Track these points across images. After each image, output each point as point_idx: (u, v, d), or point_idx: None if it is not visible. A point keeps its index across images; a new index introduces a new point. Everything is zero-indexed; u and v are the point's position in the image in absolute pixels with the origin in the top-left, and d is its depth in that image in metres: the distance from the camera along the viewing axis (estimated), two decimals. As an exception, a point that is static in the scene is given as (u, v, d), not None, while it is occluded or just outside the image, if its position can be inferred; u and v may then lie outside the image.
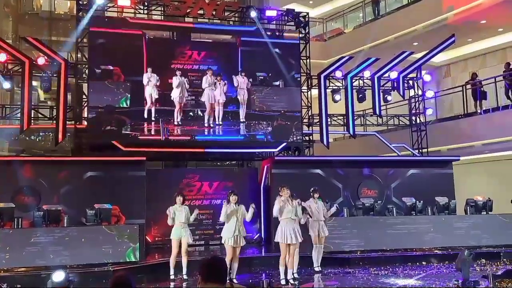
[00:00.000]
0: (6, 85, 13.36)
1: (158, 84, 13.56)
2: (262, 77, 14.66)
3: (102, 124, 13.19)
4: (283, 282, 9.14)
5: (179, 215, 9.78)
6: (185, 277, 9.69)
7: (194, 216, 9.90)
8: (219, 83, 13.93)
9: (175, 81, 13.71)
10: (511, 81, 15.33)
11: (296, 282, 9.25)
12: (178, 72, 13.76)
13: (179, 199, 9.92)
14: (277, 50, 14.75)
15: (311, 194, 10.47)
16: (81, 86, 13.88)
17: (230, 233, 9.12)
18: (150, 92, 13.55)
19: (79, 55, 13.72)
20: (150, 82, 13.52)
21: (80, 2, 13.58)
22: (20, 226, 10.57)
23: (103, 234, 10.43)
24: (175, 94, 13.72)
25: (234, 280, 9.06)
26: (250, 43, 14.75)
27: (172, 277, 9.75)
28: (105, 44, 13.54)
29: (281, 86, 14.72)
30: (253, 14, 14.72)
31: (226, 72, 14.27)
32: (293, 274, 9.34)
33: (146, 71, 13.57)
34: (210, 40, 15.01)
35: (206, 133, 14.03)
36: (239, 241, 9.22)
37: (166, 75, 13.80)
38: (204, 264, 3.34)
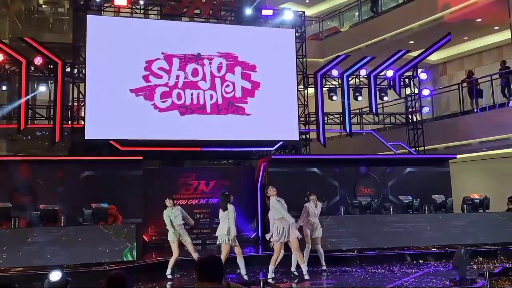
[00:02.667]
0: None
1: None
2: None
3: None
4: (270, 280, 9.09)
5: (176, 219, 9.73)
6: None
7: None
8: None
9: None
10: (507, 79, 15.39)
11: (297, 280, 9.29)
12: None
13: (169, 202, 9.86)
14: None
15: (308, 197, 10.42)
16: (78, 86, 13.84)
17: (231, 232, 9.11)
18: None
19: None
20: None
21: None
22: (17, 226, 10.60)
23: (100, 233, 10.41)
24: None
25: (245, 277, 9.13)
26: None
27: (169, 276, 9.73)
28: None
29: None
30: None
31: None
32: (293, 271, 9.41)
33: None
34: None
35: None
36: (234, 239, 9.24)
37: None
38: (200, 263, 3.31)
